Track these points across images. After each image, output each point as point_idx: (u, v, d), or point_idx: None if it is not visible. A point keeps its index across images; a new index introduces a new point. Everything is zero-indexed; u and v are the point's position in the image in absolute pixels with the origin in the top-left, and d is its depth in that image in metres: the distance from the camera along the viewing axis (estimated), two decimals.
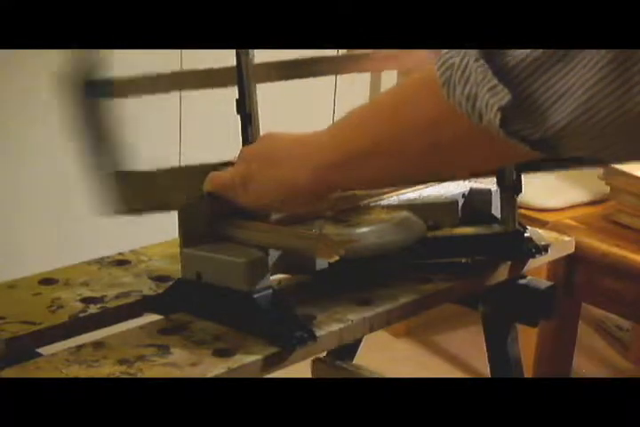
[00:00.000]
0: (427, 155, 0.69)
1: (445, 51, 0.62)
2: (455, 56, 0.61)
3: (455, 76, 0.60)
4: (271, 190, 0.80)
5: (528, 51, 0.56)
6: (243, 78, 0.88)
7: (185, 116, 1.38)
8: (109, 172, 0.90)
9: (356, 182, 0.79)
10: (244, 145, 0.90)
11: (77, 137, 0.89)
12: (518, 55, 0.57)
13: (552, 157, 0.60)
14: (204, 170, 0.88)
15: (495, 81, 0.58)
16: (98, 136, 0.89)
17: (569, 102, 0.55)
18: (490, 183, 0.98)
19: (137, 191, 0.92)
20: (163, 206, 0.92)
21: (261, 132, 0.90)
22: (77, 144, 0.89)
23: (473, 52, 0.59)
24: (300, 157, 0.77)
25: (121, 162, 0.90)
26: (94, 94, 0.88)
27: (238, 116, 0.90)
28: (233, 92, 0.89)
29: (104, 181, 0.90)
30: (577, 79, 0.55)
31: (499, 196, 0.97)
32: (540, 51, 0.56)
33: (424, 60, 0.97)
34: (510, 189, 0.95)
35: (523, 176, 0.95)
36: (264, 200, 0.81)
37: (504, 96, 0.57)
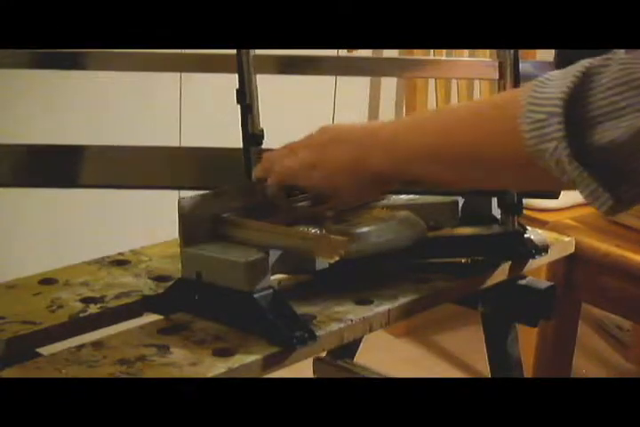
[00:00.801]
0: (500, 181, 0.73)
1: (533, 128, 0.62)
2: (547, 141, 0.62)
3: (549, 162, 0.62)
4: (340, 172, 0.80)
5: (614, 136, 0.59)
6: (243, 69, 0.88)
7: (185, 106, 1.38)
8: None
9: (419, 179, 0.80)
10: (243, 135, 0.90)
11: None
12: (606, 139, 0.59)
13: None
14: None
15: (594, 185, 0.61)
16: None
17: None
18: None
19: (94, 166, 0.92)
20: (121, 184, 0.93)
21: (261, 124, 0.90)
22: None
23: (563, 150, 0.61)
24: (372, 142, 0.78)
25: None
26: None
27: (238, 107, 0.90)
28: (233, 83, 0.89)
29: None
30: None
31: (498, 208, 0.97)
32: (627, 135, 0.58)
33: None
34: (511, 209, 0.95)
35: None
36: (335, 180, 0.80)
37: (606, 200, 0.61)
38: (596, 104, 0.59)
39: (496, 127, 0.68)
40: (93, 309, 0.84)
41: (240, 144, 0.90)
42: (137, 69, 0.93)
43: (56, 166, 0.94)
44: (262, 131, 0.89)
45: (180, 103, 1.21)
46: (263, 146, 0.92)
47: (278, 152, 0.85)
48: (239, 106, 0.89)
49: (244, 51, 0.88)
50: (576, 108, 0.60)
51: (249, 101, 0.88)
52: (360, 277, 0.91)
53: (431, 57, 1.83)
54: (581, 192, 0.61)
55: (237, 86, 0.89)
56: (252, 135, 0.89)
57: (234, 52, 0.88)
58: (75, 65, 0.92)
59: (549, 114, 0.61)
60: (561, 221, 1.66)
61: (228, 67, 0.91)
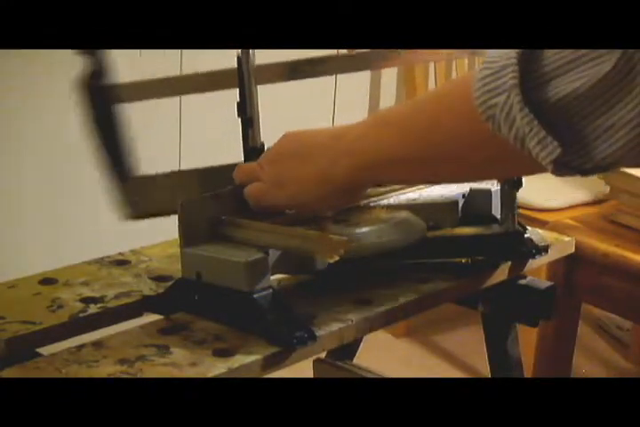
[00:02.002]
0: (468, 167, 0.70)
1: (482, 75, 0.61)
2: (498, 95, 0.60)
3: (500, 117, 0.60)
4: (307, 187, 0.80)
5: (571, 87, 0.56)
6: (244, 82, 0.88)
7: (185, 120, 1.38)
8: (121, 177, 0.90)
9: (388, 181, 0.80)
10: (244, 148, 0.90)
11: (92, 141, 0.89)
12: (560, 91, 0.57)
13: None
14: (208, 173, 0.88)
15: (543, 133, 0.58)
16: (111, 141, 0.89)
17: (616, 137, 0.56)
18: (490, 183, 0.98)
19: (144, 196, 0.92)
20: (169, 210, 0.92)
21: (261, 132, 0.90)
22: (93, 149, 0.89)
23: (515, 97, 0.58)
24: (332, 154, 0.78)
25: (131, 167, 0.90)
26: (105, 99, 0.88)
27: (239, 120, 0.89)
28: (234, 96, 0.89)
29: (116, 186, 0.90)
30: (622, 115, 0.55)
31: (499, 196, 0.97)
32: (584, 88, 0.56)
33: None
34: (510, 184, 0.95)
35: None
36: (301, 198, 0.81)
37: (554, 149, 0.58)
38: (548, 59, 0.57)
39: (453, 105, 0.67)
40: (93, 309, 0.84)
41: (240, 157, 0.90)
42: (135, 100, 0.93)
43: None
44: (263, 144, 0.89)
45: (179, 115, 1.22)
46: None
47: (249, 167, 0.85)
48: (239, 119, 0.89)
49: (244, 63, 0.88)
50: (528, 64, 0.58)
51: (250, 114, 0.88)
52: (360, 277, 0.91)
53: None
54: (530, 143, 0.59)
55: (238, 99, 0.89)
56: (253, 149, 0.89)
57: (233, 67, 0.89)
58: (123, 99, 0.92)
59: (502, 67, 0.60)
60: (561, 221, 1.66)
61: (227, 83, 0.91)
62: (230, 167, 0.88)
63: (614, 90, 0.55)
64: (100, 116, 0.88)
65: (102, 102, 0.88)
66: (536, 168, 0.66)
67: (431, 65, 2.22)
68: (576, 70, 0.56)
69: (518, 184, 0.95)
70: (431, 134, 0.70)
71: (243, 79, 0.88)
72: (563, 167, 0.59)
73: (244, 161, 0.89)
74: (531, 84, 0.58)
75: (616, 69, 0.55)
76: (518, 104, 0.58)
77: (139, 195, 0.91)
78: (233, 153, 0.91)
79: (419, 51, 1.07)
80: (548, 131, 0.58)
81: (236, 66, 0.89)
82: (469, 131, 0.65)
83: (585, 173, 0.60)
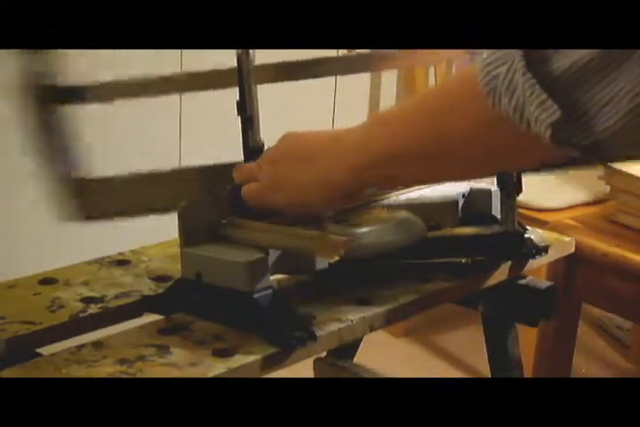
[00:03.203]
0: (471, 160, 0.70)
1: (487, 56, 0.61)
2: (500, 65, 0.60)
3: (501, 87, 0.60)
4: (307, 189, 0.80)
5: (573, 59, 0.56)
6: (243, 80, 0.88)
7: (185, 119, 1.38)
8: (66, 178, 0.89)
9: (390, 183, 0.80)
10: (244, 147, 0.90)
11: (32, 142, 0.89)
12: (564, 63, 0.57)
13: (602, 161, 0.61)
14: (173, 177, 0.89)
15: (544, 96, 0.58)
16: (53, 142, 0.89)
17: (617, 109, 0.56)
18: (490, 183, 0.98)
19: (94, 198, 0.92)
20: (123, 213, 0.92)
21: (261, 133, 0.90)
22: (32, 149, 0.89)
23: (519, 62, 0.59)
24: (332, 156, 0.77)
25: (77, 168, 0.90)
26: (50, 99, 0.88)
27: (239, 119, 0.89)
28: (233, 95, 0.89)
29: (61, 187, 0.90)
30: (623, 85, 0.55)
31: (499, 196, 0.97)
32: (586, 59, 0.56)
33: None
34: (511, 189, 0.95)
35: (523, 176, 0.95)
36: (299, 200, 0.81)
37: (554, 112, 0.58)
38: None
39: (454, 96, 0.67)
40: (93, 309, 0.84)
41: (239, 156, 0.90)
42: (135, 96, 0.93)
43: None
44: (263, 143, 0.89)
45: (179, 114, 1.22)
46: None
47: (248, 167, 0.85)
48: (239, 118, 0.89)
49: (244, 62, 0.88)
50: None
51: (249, 113, 0.88)
52: (360, 277, 0.91)
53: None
54: (529, 107, 0.58)
55: (237, 98, 0.89)
56: (253, 148, 0.89)
57: (232, 66, 0.88)
58: (75, 99, 0.92)
59: (505, 51, 0.60)
60: (561, 221, 1.66)
61: (227, 82, 0.91)
62: (230, 166, 0.88)
63: (615, 61, 0.55)
64: (45, 116, 0.87)
65: (49, 103, 0.87)
66: (537, 159, 0.66)
67: (431, 68, 2.22)
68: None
69: (518, 188, 0.95)
70: (432, 127, 0.70)
71: (242, 78, 0.88)
72: (560, 140, 0.59)
73: (244, 160, 0.89)
74: (534, 59, 0.58)
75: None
76: (521, 69, 0.58)
77: (90, 197, 0.91)
78: (233, 152, 0.91)
79: (418, 52, 1.07)
80: (548, 92, 0.58)
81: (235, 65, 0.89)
82: (472, 120, 0.65)
83: (581, 150, 0.59)
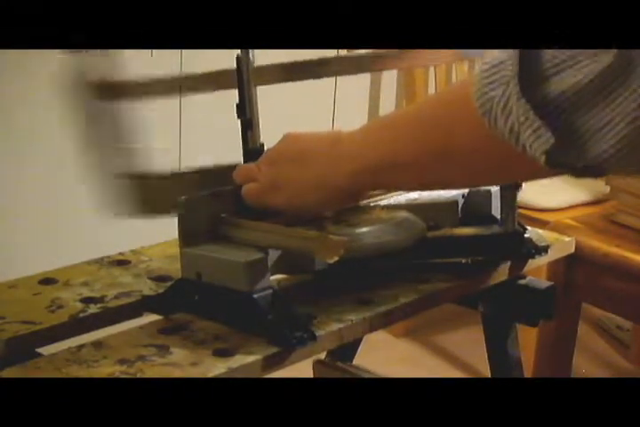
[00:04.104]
0: (465, 172, 0.70)
1: (484, 73, 0.61)
2: (495, 88, 0.60)
3: (496, 109, 0.60)
4: (305, 190, 0.80)
5: (569, 83, 0.56)
6: (243, 83, 0.88)
7: (185, 121, 1.37)
8: (123, 174, 0.89)
9: (388, 186, 0.80)
10: (244, 150, 0.90)
11: (84, 139, 0.88)
12: (558, 87, 0.57)
13: (596, 178, 0.61)
14: (211, 173, 0.88)
15: (538, 123, 0.58)
16: (112, 138, 0.89)
17: (611, 135, 0.56)
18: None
19: (151, 194, 0.91)
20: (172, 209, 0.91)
21: (261, 132, 0.90)
22: (83, 146, 0.88)
23: (514, 87, 0.59)
24: (332, 158, 0.78)
25: (135, 164, 0.90)
26: (106, 97, 0.88)
27: (239, 121, 0.89)
28: (233, 97, 0.89)
29: (116, 183, 0.90)
30: (618, 112, 0.55)
31: (498, 196, 0.97)
32: (581, 84, 0.56)
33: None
34: (511, 188, 0.95)
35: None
36: (297, 201, 0.81)
37: (548, 139, 0.58)
38: (547, 56, 0.57)
39: (453, 107, 0.67)
40: (93, 309, 0.84)
41: (239, 158, 0.90)
42: (135, 98, 0.93)
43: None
44: (262, 145, 0.89)
45: (179, 116, 1.21)
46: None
47: (248, 168, 0.85)
48: (239, 120, 0.89)
49: (243, 64, 0.88)
50: (528, 61, 0.58)
51: (249, 116, 0.88)
52: (360, 277, 0.91)
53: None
54: (524, 133, 0.59)
55: (237, 101, 0.89)
56: (253, 150, 0.89)
57: (232, 67, 0.88)
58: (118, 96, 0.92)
59: (501, 62, 0.60)
60: (561, 221, 1.66)
61: (227, 83, 0.91)
62: (230, 168, 0.88)
63: (611, 85, 0.55)
64: (95, 112, 0.87)
65: (97, 99, 0.87)
66: (534, 172, 0.66)
67: (431, 68, 2.22)
68: (575, 67, 0.56)
69: (518, 185, 0.95)
70: (431, 137, 0.70)
71: (242, 80, 0.88)
72: (555, 164, 0.59)
73: (244, 162, 0.89)
74: (529, 81, 0.58)
75: (614, 65, 0.55)
76: (516, 95, 0.58)
77: (147, 193, 0.91)
78: (233, 153, 0.91)
79: (418, 52, 1.07)
80: (542, 119, 0.58)
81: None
82: (471, 135, 0.65)
83: (576, 172, 0.59)
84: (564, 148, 0.57)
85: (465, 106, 0.64)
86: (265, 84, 0.92)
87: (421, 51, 1.07)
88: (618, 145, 0.56)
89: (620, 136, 0.55)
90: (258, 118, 0.89)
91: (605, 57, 0.55)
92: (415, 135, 0.72)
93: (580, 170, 0.59)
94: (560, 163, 0.59)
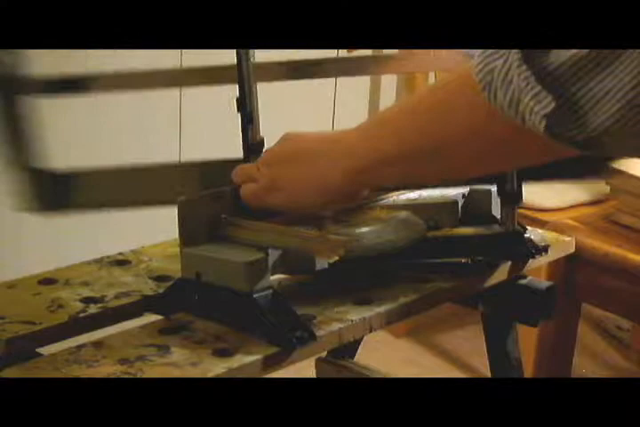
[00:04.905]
0: (467, 159, 0.70)
1: (482, 52, 0.61)
2: (496, 59, 0.60)
3: (497, 80, 0.60)
4: (304, 191, 0.80)
5: (569, 54, 0.56)
6: (243, 77, 0.88)
7: (185, 115, 1.37)
8: (24, 168, 0.90)
9: (388, 184, 0.80)
10: (244, 144, 0.90)
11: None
12: (559, 58, 0.57)
13: (597, 155, 0.61)
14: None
15: (539, 87, 0.58)
16: (13, 133, 0.89)
17: (611, 104, 0.55)
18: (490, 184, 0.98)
19: (49, 189, 0.92)
20: (89, 206, 0.92)
21: (262, 132, 0.90)
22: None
23: (514, 55, 0.59)
24: (331, 158, 0.78)
25: (34, 159, 0.90)
26: (15, 91, 0.88)
27: (239, 115, 0.89)
28: (234, 91, 0.89)
29: (20, 177, 0.90)
30: (618, 81, 0.55)
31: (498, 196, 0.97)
32: (581, 54, 0.56)
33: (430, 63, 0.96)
34: (511, 198, 0.95)
35: (524, 186, 0.95)
36: (297, 201, 0.81)
37: (548, 103, 0.57)
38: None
39: (450, 94, 0.67)
40: (93, 309, 0.84)
41: (239, 153, 0.90)
42: (136, 88, 0.93)
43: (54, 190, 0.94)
44: (263, 140, 0.89)
45: (179, 112, 1.21)
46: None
47: (247, 168, 0.85)
48: (239, 115, 0.89)
49: (244, 59, 0.88)
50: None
51: (249, 109, 0.88)
52: (360, 277, 0.91)
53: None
54: (524, 98, 0.58)
55: (237, 95, 0.89)
56: (253, 144, 0.89)
57: (232, 63, 0.88)
58: (75, 89, 0.92)
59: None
60: (561, 221, 1.66)
61: (227, 78, 0.91)
62: (219, 163, 0.88)
63: (611, 56, 0.55)
64: (8, 107, 0.88)
65: (10, 94, 0.88)
66: (534, 155, 0.66)
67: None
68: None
69: (519, 198, 0.95)
70: (429, 127, 0.70)
71: (242, 75, 0.88)
72: (555, 134, 0.59)
73: (244, 156, 0.89)
74: (531, 52, 0.58)
75: None
76: (517, 62, 0.58)
77: (47, 188, 0.91)
78: (233, 148, 0.91)
79: (420, 56, 1.07)
80: (543, 84, 0.58)
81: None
82: (469, 119, 0.65)
83: (577, 146, 0.59)
84: (564, 117, 0.57)
85: (462, 88, 0.64)
86: (264, 81, 0.92)
87: (423, 55, 1.07)
88: (617, 115, 0.55)
89: (619, 105, 0.55)
90: (258, 112, 0.89)
91: None
92: (414, 126, 0.71)
93: (581, 143, 0.58)
94: (559, 133, 0.58)
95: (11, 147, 0.89)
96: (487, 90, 0.61)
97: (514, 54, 0.59)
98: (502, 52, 0.60)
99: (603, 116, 0.56)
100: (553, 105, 0.57)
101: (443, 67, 1.09)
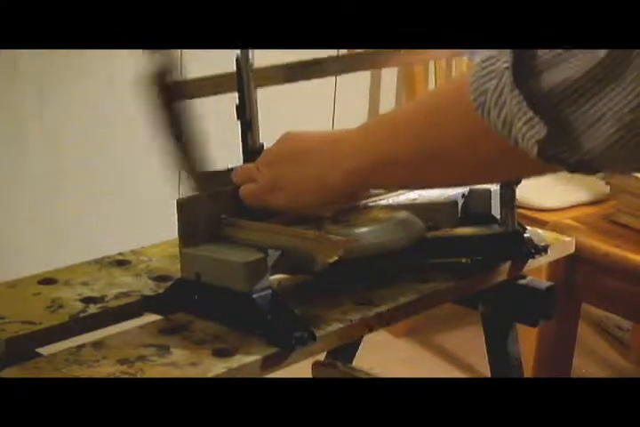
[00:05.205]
0: (462, 168, 0.70)
1: (479, 68, 0.61)
2: (489, 80, 0.60)
3: (490, 101, 0.60)
4: (304, 191, 0.80)
5: (562, 77, 0.56)
6: (243, 84, 0.88)
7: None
8: (192, 172, 0.89)
9: (387, 185, 0.80)
10: (243, 151, 0.90)
11: (160, 138, 0.89)
12: (551, 81, 0.57)
13: (590, 174, 0.61)
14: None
15: (530, 113, 0.58)
16: (181, 137, 0.89)
17: (606, 127, 0.55)
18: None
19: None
20: None
21: (261, 132, 0.90)
22: (161, 145, 0.89)
23: (507, 78, 0.59)
24: (331, 158, 0.78)
25: (202, 162, 0.90)
26: (174, 96, 0.88)
27: (238, 122, 0.89)
28: (233, 97, 0.89)
29: (187, 180, 0.90)
30: (614, 104, 0.55)
31: (498, 196, 0.97)
32: (574, 77, 0.56)
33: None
34: (504, 197, 0.95)
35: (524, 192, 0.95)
36: (297, 201, 0.81)
37: (540, 130, 0.57)
38: (541, 52, 0.57)
39: (449, 101, 0.67)
40: (93, 309, 0.84)
41: (238, 159, 0.90)
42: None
43: None
44: (262, 146, 0.89)
45: None
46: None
47: (247, 168, 0.85)
48: (239, 122, 0.89)
49: (243, 65, 0.88)
50: (522, 55, 0.58)
51: (249, 117, 0.88)
52: (360, 277, 0.91)
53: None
54: (517, 123, 0.59)
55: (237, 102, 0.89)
56: (252, 151, 0.89)
57: (232, 71, 0.88)
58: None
59: (496, 58, 0.60)
60: (561, 221, 1.66)
61: (227, 86, 0.91)
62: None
63: (604, 81, 0.55)
64: (172, 113, 0.88)
65: (173, 100, 0.88)
66: (529, 169, 0.66)
67: (431, 65, 2.22)
68: (568, 61, 0.56)
69: (517, 182, 0.95)
70: (428, 132, 0.70)
71: (242, 81, 0.88)
72: (547, 157, 0.59)
73: (243, 162, 0.89)
74: (524, 75, 0.58)
75: (607, 60, 0.55)
76: (509, 86, 0.58)
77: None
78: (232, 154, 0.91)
79: (417, 51, 1.07)
80: (535, 109, 0.58)
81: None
82: (464, 132, 0.65)
83: (569, 167, 0.59)
84: (557, 141, 0.57)
85: (459, 102, 0.64)
86: (265, 86, 0.92)
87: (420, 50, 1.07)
88: (609, 140, 0.55)
89: (611, 131, 0.55)
90: (257, 120, 0.89)
91: (599, 52, 0.55)
92: (412, 133, 0.72)
93: (573, 165, 0.59)
94: (552, 156, 0.58)
95: (177, 151, 0.88)
96: (481, 109, 0.61)
97: (507, 77, 0.59)
98: (496, 71, 0.60)
99: (596, 141, 0.56)
100: (545, 131, 0.57)
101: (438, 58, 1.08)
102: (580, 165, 0.58)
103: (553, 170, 0.63)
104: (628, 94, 0.54)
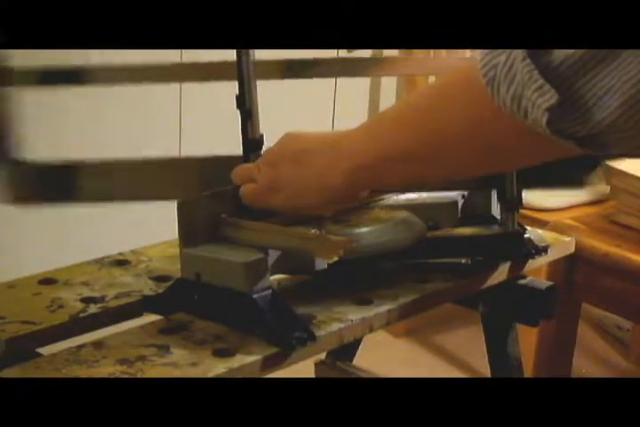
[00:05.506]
0: (467, 158, 0.69)
1: (487, 50, 0.61)
2: (500, 55, 0.60)
3: (500, 75, 0.60)
4: (305, 192, 0.80)
5: (572, 50, 0.56)
6: (243, 74, 0.88)
7: (185, 111, 1.37)
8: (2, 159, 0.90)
9: (388, 184, 0.80)
10: (243, 140, 0.90)
11: None
12: (563, 54, 0.57)
13: (598, 153, 0.61)
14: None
15: (542, 81, 0.58)
16: None
17: (613, 99, 0.56)
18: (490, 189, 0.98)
19: (25, 181, 0.91)
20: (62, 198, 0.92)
21: (261, 129, 0.90)
22: None
23: (518, 51, 0.59)
24: (331, 158, 0.77)
25: (12, 151, 0.90)
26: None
27: (238, 112, 0.89)
28: (233, 88, 0.89)
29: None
30: (621, 76, 0.55)
31: (496, 196, 0.97)
32: (584, 50, 0.56)
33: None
34: (510, 204, 0.95)
35: (523, 193, 0.95)
36: (297, 202, 0.81)
37: (551, 96, 0.57)
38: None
39: (450, 91, 0.67)
40: (93, 309, 0.84)
41: (239, 149, 0.90)
42: (136, 81, 0.93)
43: (54, 183, 0.94)
44: (262, 136, 0.89)
45: (179, 109, 1.21)
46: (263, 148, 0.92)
47: (247, 168, 0.85)
48: (239, 111, 0.89)
49: (244, 56, 0.88)
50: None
51: (249, 106, 0.88)
52: (360, 277, 0.91)
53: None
54: (527, 91, 0.58)
55: (237, 92, 0.89)
56: (252, 141, 0.89)
57: (233, 59, 0.88)
58: (75, 80, 0.92)
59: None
60: (561, 221, 1.66)
61: (227, 74, 0.91)
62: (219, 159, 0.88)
63: (614, 52, 0.55)
64: None
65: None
66: (539, 152, 0.66)
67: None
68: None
69: (518, 204, 0.95)
70: (429, 125, 0.69)
71: (242, 71, 0.88)
72: (557, 129, 0.59)
73: (243, 152, 0.89)
74: (535, 50, 0.58)
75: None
76: (521, 55, 0.58)
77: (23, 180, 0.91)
78: (232, 143, 0.91)
79: (419, 59, 1.07)
80: (546, 77, 0.58)
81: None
82: (469, 115, 0.65)
83: (578, 142, 0.59)
84: (567, 112, 0.57)
85: (463, 84, 0.64)
86: (264, 79, 0.92)
87: (424, 58, 1.07)
88: (619, 110, 0.56)
89: (621, 100, 0.55)
90: (257, 110, 0.89)
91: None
92: (415, 124, 0.71)
93: (582, 140, 0.59)
94: (561, 129, 0.58)
95: None
96: (490, 84, 0.61)
97: (518, 51, 0.59)
98: (507, 50, 0.60)
99: (605, 112, 0.56)
100: (556, 98, 0.57)
101: (441, 70, 1.09)
102: (589, 141, 0.58)
103: (561, 152, 0.63)
104: (631, 69, 0.54)
